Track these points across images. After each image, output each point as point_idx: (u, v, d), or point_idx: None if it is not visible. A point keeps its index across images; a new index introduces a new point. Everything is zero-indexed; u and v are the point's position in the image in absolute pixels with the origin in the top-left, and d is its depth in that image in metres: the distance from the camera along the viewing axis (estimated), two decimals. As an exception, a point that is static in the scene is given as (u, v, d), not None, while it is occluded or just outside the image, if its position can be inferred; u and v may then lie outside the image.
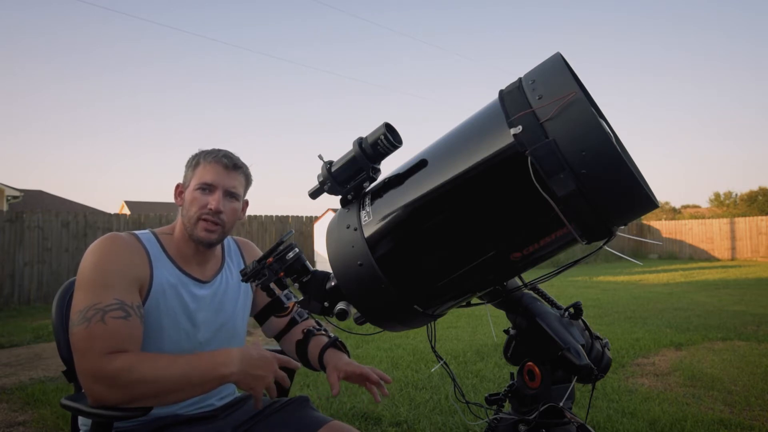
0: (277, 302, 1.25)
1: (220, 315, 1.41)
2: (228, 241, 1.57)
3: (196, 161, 1.40)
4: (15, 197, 15.24)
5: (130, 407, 1.13)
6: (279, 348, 1.64)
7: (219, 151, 1.41)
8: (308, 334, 1.49)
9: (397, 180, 0.96)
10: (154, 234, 1.40)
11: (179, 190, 1.43)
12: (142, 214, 11.69)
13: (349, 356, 1.45)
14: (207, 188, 1.36)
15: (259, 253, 1.60)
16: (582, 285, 10.65)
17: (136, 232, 1.38)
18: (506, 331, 1.08)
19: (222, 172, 1.37)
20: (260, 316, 1.59)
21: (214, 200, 1.35)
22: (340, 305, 1.01)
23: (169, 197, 1.47)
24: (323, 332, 1.52)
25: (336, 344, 1.45)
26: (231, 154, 1.42)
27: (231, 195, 1.39)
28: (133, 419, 1.27)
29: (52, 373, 4.21)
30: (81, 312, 1.17)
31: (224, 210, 1.37)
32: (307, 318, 1.58)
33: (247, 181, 1.46)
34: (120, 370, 1.11)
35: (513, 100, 0.82)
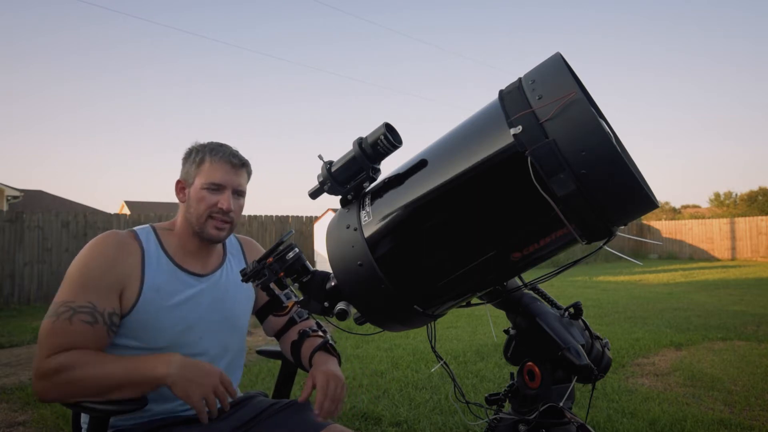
0: (275, 301, 1.26)
1: (218, 310, 1.41)
2: (230, 237, 1.57)
3: (200, 158, 1.38)
4: (15, 197, 15.24)
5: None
6: (279, 349, 1.63)
7: (223, 147, 1.40)
8: (302, 336, 1.49)
9: (397, 180, 0.96)
10: (154, 229, 1.41)
11: (181, 185, 1.42)
12: (142, 214, 11.69)
13: (339, 359, 1.44)
14: (216, 188, 1.36)
15: (262, 252, 1.60)
16: (582, 285, 10.64)
17: (136, 228, 1.39)
18: (506, 331, 1.08)
19: (230, 171, 1.38)
20: (260, 314, 1.59)
21: (225, 200, 1.36)
22: (340, 305, 1.01)
23: (170, 197, 1.49)
24: (319, 334, 1.50)
25: (326, 347, 1.44)
26: (236, 151, 1.42)
27: (238, 193, 1.40)
28: (130, 417, 1.28)
29: (52, 373, 4.21)
30: (55, 305, 1.21)
31: (233, 208, 1.38)
32: (307, 318, 1.57)
33: (249, 176, 1.47)
34: (61, 366, 1.14)
35: (513, 100, 0.82)
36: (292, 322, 1.55)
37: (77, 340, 1.18)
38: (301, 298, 1.11)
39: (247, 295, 1.51)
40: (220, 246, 1.50)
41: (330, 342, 1.46)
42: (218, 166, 1.36)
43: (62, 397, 1.16)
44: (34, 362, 1.18)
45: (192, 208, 1.37)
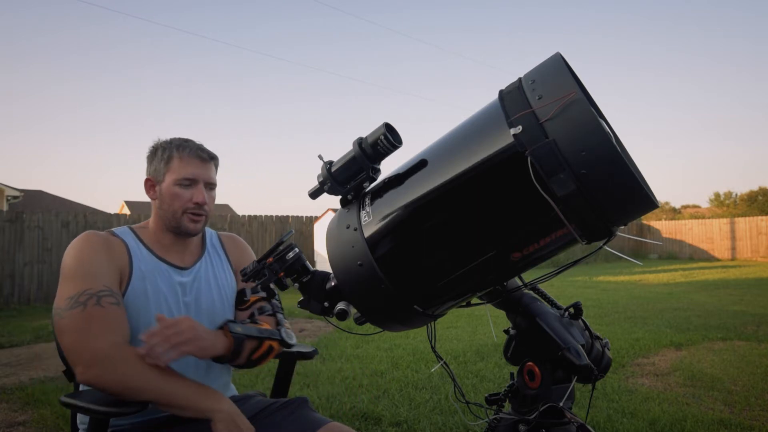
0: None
1: (202, 302, 1.42)
2: (209, 232, 1.57)
3: (168, 155, 1.38)
4: (15, 197, 15.23)
5: (122, 400, 1.16)
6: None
7: (188, 142, 1.41)
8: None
9: (397, 180, 0.96)
10: (131, 228, 1.43)
11: (150, 183, 1.42)
12: (142, 214, 11.69)
13: (232, 346, 1.28)
14: (189, 183, 1.37)
15: (245, 246, 1.60)
16: (582, 285, 10.64)
17: (113, 229, 1.41)
18: (506, 331, 1.08)
19: (200, 165, 1.38)
20: None
21: (200, 194, 1.37)
22: (340, 305, 1.02)
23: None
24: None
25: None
26: (203, 146, 1.43)
27: (210, 185, 1.41)
28: (130, 416, 1.28)
29: (52, 373, 4.21)
30: (72, 298, 1.20)
31: (207, 201, 1.39)
32: (271, 313, 1.45)
33: (217, 169, 1.48)
34: (126, 359, 1.15)
35: (513, 100, 0.82)
36: (253, 318, 1.51)
37: (114, 322, 1.20)
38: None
39: (229, 288, 1.50)
40: (197, 241, 1.51)
41: (228, 323, 1.28)
42: (188, 162, 1.37)
43: (113, 387, 1.14)
44: (82, 346, 1.15)
45: (166, 204, 1.38)
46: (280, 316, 1.28)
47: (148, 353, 1.13)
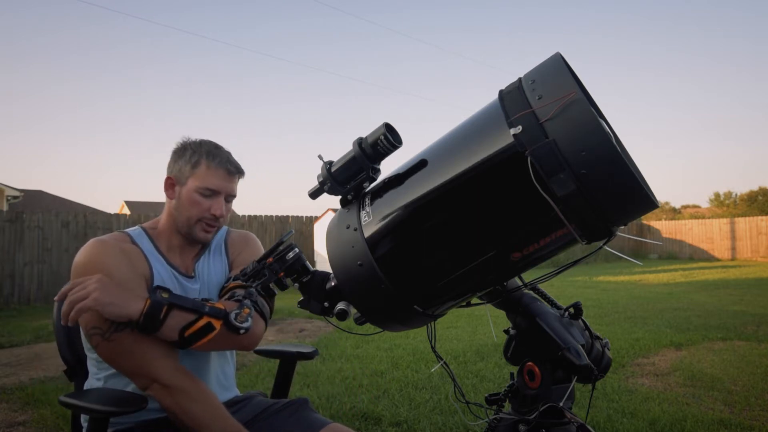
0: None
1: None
2: (221, 233, 1.53)
3: (196, 159, 1.35)
4: (15, 197, 15.24)
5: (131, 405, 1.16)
6: (276, 348, 1.63)
7: (220, 151, 1.38)
8: None
9: (397, 180, 0.96)
10: (144, 230, 1.40)
11: (171, 182, 1.38)
12: (142, 214, 11.70)
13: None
14: (210, 194, 1.34)
15: (247, 242, 1.54)
16: (582, 285, 10.64)
17: (128, 230, 1.38)
18: (506, 331, 1.08)
19: (227, 178, 1.36)
20: None
21: (219, 207, 1.35)
22: (340, 305, 1.02)
23: (170, 197, 1.46)
24: None
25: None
26: (232, 157, 1.40)
27: (230, 198, 1.40)
28: (130, 415, 1.28)
29: (52, 373, 4.21)
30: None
31: (224, 214, 1.38)
32: (237, 299, 1.43)
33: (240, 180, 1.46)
34: (185, 390, 1.18)
35: (513, 100, 0.82)
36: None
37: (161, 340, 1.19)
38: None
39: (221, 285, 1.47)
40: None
41: (158, 288, 1.21)
42: (215, 173, 1.34)
43: (166, 407, 1.19)
44: (146, 369, 1.17)
45: (183, 208, 1.35)
46: (247, 301, 1.17)
47: (66, 314, 1.09)
